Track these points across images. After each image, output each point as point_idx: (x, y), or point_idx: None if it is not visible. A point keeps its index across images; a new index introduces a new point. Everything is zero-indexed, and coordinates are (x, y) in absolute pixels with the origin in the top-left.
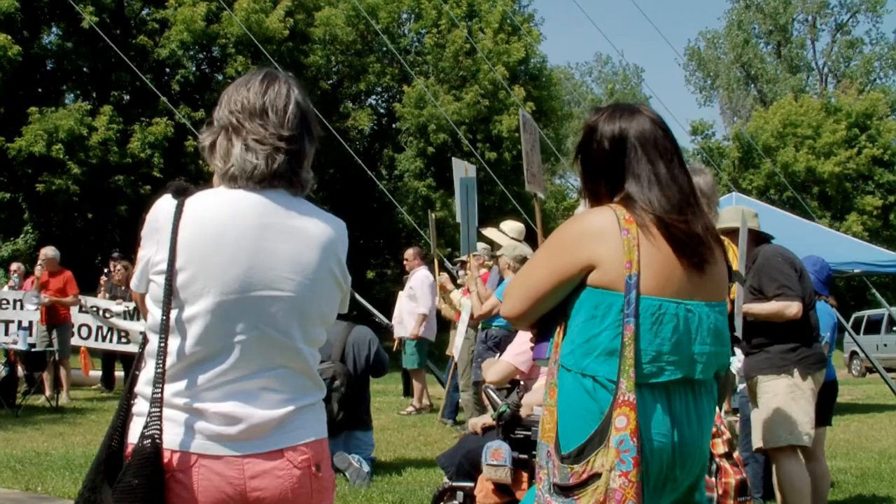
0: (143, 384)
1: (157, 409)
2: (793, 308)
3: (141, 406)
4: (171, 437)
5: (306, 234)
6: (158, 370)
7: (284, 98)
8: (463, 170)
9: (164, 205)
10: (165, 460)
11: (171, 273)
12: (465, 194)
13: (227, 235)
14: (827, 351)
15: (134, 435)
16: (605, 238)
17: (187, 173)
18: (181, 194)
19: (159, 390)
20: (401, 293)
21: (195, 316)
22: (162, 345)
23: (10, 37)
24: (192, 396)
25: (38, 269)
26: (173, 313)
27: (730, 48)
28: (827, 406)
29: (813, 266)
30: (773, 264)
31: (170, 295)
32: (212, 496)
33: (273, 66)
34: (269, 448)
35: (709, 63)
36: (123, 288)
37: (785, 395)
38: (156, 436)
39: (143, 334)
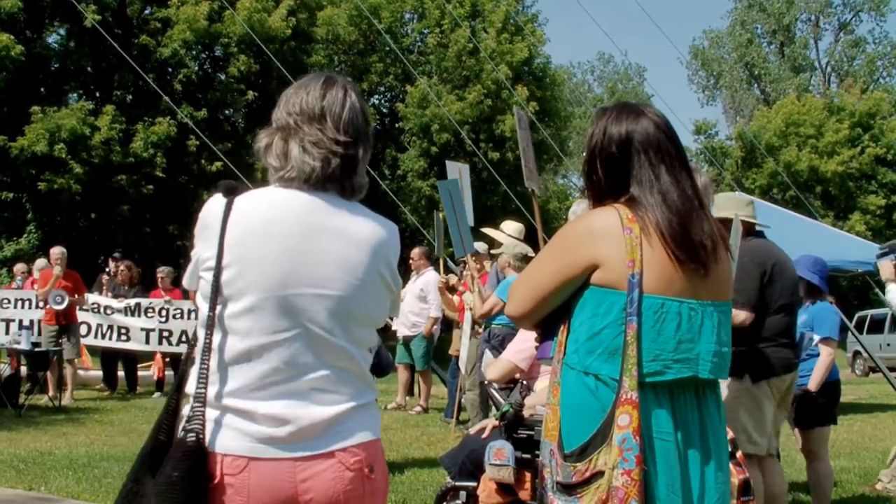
0: (191, 381)
1: (200, 405)
2: (739, 316)
3: (188, 403)
4: (221, 441)
5: (355, 236)
6: (203, 367)
7: (341, 103)
8: (457, 171)
9: (214, 204)
10: (216, 464)
11: (218, 270)
12: (449, 198)
13: (273, 234)
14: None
15: (179, 430)
16: (608, 237)
17: (189, 173)
18: (231, 193)
19: (203, 387)
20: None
21: (240, 313)
22: (207, 341)
23: (13, 37)
24: (240, 396)
25: (57, 269)
26: (218, 309)
27: (733, 47)
28: (831, 406)
29: (810, 265)
30: (739, 265)
31: (216, 292)
32: (263, 500)
33: (276, 66)
34: (320, 449)
35: (712, 62)
36: (126, 287)
37: (731, 401)
38: (198, 431)
39: (185, 332)
